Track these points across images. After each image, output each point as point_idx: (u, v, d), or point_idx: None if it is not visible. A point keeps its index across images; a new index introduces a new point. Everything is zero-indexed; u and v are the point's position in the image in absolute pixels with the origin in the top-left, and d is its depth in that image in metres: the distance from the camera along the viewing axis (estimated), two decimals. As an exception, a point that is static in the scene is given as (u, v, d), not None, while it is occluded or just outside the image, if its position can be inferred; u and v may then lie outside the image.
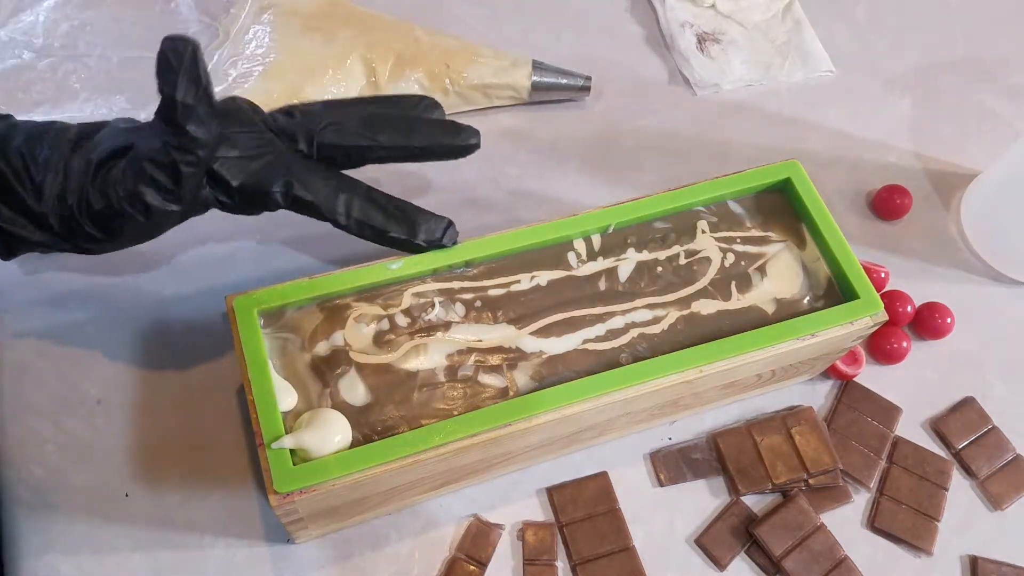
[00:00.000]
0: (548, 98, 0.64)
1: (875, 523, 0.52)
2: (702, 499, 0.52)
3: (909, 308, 0.57)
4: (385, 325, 0.45)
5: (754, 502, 0.52)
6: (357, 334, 0.45)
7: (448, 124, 0.49)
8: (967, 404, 0.56)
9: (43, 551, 0.47)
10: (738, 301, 0.48)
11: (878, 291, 0.55)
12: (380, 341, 0.45)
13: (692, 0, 0.70)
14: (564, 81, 0.63)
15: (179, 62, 0.38)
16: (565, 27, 0.68)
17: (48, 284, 0.54)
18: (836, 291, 0.49)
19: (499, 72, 0.62)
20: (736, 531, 0.51)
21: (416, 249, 0.46)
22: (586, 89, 0.63)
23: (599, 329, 0.47)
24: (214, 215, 0.57)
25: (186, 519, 0.48)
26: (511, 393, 0.44)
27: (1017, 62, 0.71)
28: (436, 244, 0.47)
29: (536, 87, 0.62)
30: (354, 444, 0.42)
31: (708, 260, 0.49)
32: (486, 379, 0.45)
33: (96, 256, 0.55)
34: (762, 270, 0.49)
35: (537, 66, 0.62)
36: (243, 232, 0.57)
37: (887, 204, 0.62)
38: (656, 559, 0.50)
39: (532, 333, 0.46)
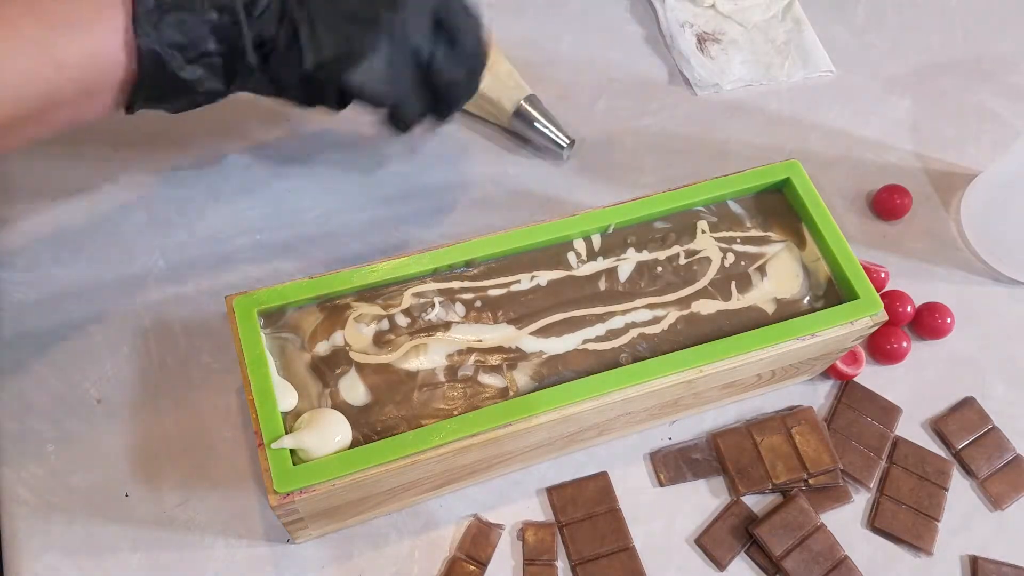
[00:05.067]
0: (525, 134, 0.61)
1: (875, 523, 0.52)
2: (702, 499, 0.52)
3: (909, 308, 0.57)
4: (385, 325, 0.45)
5: (754, 502, 0.52)
6: (357, 334, 0.45)
7: None
8: (967, 404, 0.56)
9: (43, 551, 0.47)
10: (738, 301, 0.48)
11: (878, 291, 0.55)
12: (380, 341, 0.45)
13: (692, 0, 0.70)
14: (545, 130, 0.60)
15: None
16: (565, 27, 0.68)
17: (48, 284, 0.54)
18: (836, 291, 0.49)
19: (494, 86, 0.60)
20: (736, 531, 0.51)
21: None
22: (561, 148, 0.61)
23: (599, 329, 0.47)
24: (215, 216, 0.57)
25: (186, 519, 0.48)
26: (511, 393, 0.44)
27: (1017, 62, 0.71)
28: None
29: (517, 116, 0.60)
30: (354, 444, 0.42)
31: (708, 260, 0.49)
32: (486, 379, 0.45)
33: (95, 255, 0.55)
34: (762, 270, 0.49)
35: (532, 102, 0.60)
36: (243, 232, 0.57)
37: (887, 204, 0.62)
38: (656, 559, 0.50)
39: (532, 333, 0.46)
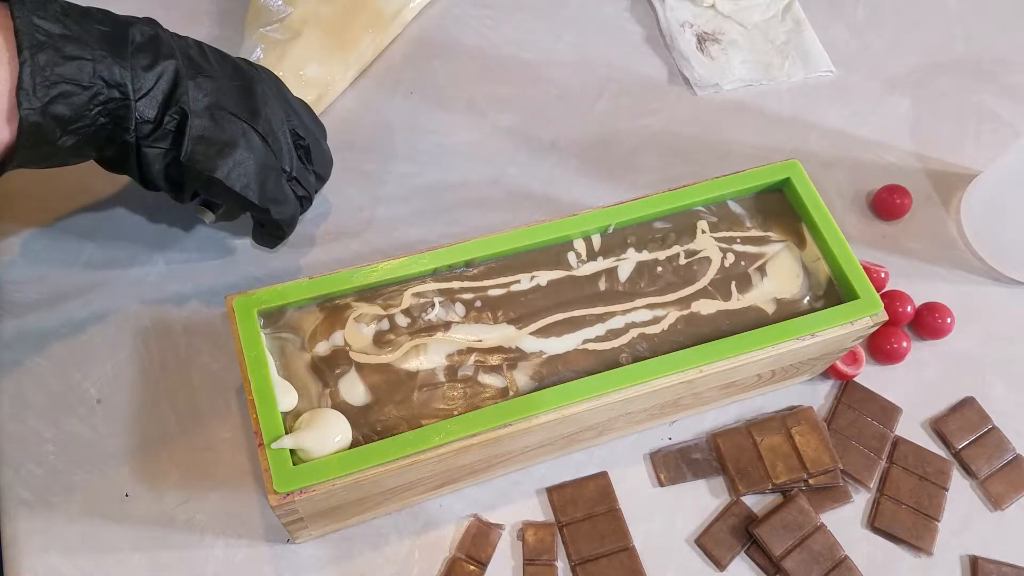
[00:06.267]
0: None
1: (875, 523, 0.52)
2: (702, 499, 0.52)
3: (909, 308, 0.57)
4: (385, 325, 0.45)
5: (754, 502, 0.52)
6: (357, 334, 0.45)
7: None
8: (967, 404, 0.56)
9: (43, 551, 0.47)
10: (738, 301, 0.48)
11: (878, 291, 0.55)
12: (380, 341, 0.45)
13: (692, 0, 0.70)
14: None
15: None
16: (565, 27, 0.68)
17: (48, 284, 0.54)
18: (836, 291, 0.49)
19: None
20: (736, 531, 0.51)
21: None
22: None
23: (599, 329, 0.47)
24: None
25: (186, 519, 0.48)
26: (511, 393, 0.44)
27: (1017, 62, 0.71)
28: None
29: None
30: (354, 444, 0.42)
31: (708, 260, 0.49)
32: (486, 379, 0.45)
33: (95, 255, 0.55)
34: (762, 270, 0.49)
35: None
36: (243, 232, 0.57)
37: (887, 204, 0.62)
38: (656, 559, 0.50)
39: (532, 333, 0.46)
